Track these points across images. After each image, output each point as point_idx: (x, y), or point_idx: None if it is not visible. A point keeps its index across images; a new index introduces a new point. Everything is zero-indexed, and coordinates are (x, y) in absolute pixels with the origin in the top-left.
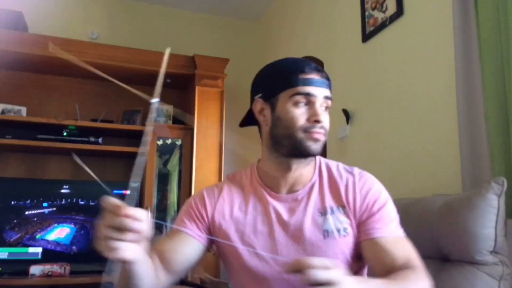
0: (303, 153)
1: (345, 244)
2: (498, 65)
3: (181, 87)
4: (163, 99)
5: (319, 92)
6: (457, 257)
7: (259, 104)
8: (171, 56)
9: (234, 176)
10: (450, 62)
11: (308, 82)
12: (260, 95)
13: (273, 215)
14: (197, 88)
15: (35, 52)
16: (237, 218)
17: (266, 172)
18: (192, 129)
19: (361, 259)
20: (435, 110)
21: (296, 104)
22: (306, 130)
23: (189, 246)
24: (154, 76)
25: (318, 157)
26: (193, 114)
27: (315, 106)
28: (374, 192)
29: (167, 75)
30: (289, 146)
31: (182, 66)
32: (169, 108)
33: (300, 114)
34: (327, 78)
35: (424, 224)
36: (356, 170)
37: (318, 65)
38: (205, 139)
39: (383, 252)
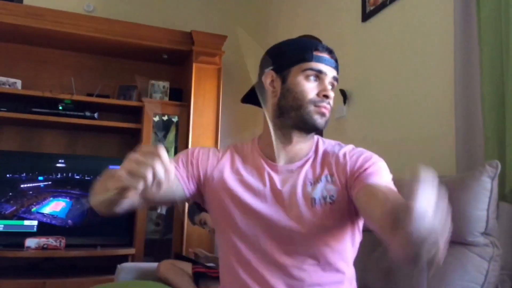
0: (308, 126)
1: (331, 211)
2: (497, 47)
3: (178, 63)
4: (159, 74)
5: (329, 71)
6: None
7: (269, 75)
8: (168, 31)
9: (237, 145)
10: (449, 43)
11: (321, 60)
12: (271, 67)
13: (267, 182)
14: (194, 65)
15: (30, 24)
16: (234, 178)
17: (267, 144)
18: (189, 106)
19: (347, 227)
20: (433, 91)
21: (307, 78)
22: (315, 104)
23: (172, 186)
24: (149, 51)
25: (316, 136)
26: (190, 91)
27: (324, 82)
28: (366, 155)
29: (163, 50)
30: (296, 118)
31: (179, 42)
32: (165, 85)
33: (310, 88)
34: (336, 60)
35: None
36: (350, 146)
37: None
38: (201, 116)
39: (382, 194)
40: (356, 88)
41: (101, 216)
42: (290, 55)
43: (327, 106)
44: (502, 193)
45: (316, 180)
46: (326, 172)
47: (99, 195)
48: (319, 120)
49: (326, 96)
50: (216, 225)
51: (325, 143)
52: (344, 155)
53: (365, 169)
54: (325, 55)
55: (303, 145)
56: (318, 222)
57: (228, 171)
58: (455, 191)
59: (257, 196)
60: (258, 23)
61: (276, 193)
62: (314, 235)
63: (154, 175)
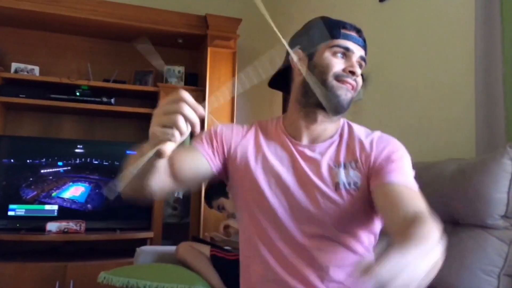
0: (331, 104)
1: (353, 198)
2: None
3: (193, 48)
4: (174, 59)
5: (357, 49)
6: (468, 221)
7: (297, 54)
8: (183, 15)
9: (261, 122)
10: (469, 24)
11: (348, 37)
12: (299, 46)
13: (291, 161)
14: (209, 49)
15: (47, 10)
16: (257, 155)
17: (291, 122)
18: (204, 91)
19: (368, 215)
20: (452, 73)
21: (334, 54)
22: (339, 78)
23: (197, 162)
24: (164, 35)
25: (342, 119)
26: (205, 75)
27: (352, 59)
28: (392, 146)
29: (178, 34)
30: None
31: (193, 26)
32: (180, 69)
33: (336, 62)
34: (364, 40)
35: (436, 187)
36: (378, 132)
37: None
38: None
39: (398, 197)
40: (373, 70)
41: (128, 200)
42: (318, 32)
43: (352, 82)
44: None
45: (340, 164)
46: (351, 157)
47: (131, 166)
48: (343, 96)
49: (353, 73)
50: (238, 201)
51: (352, 127)
52: (371, 142)
53: (388, 163)
54: (352, 33)
55: (328, 125)
56: (339, 207)
57: (252, 148)
58: (475, 173)
59: (279, 174)
60: (272, 5)
61: (298, 172)
62: (333, 219)
63: (186, 120)
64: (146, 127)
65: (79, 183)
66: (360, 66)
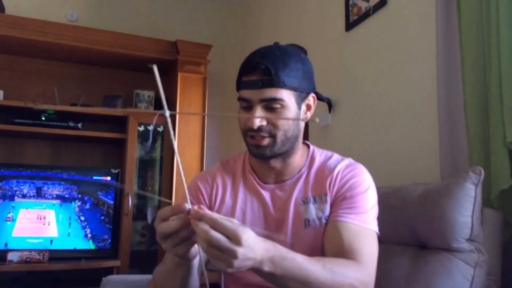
0: (253, 155)
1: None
2: (479, 55)
3: (163, 73)
4: (144, 84)
5: (255, 95)
6: (434, 245)
7: None
8: (153, 41)
9: (228, 163)
10: (431, 52)
11: (245, 86)
12: None
13: (260, 205)
14: (179, 74)
15: (12, 34)
16: (227, 204)
17: (255, 161)
18: (174, 115)
19: None
20: (416, 99)
21: (241, 108)
22: (246, 135)
23: None
24: (134, 60)
25: (312, 146)
26: (175, 100)
27: (253, 110)
28: (355, 181)
29: (148, 60)
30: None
31: (164, 52)
32: (150, 94)
33: (242, 118)
34: (269, 73)
35: (403, 212)
36: (347, 160)
37: (262, 60)
38: (187, 125)
39: (337, 235)
40: (341, 97)
41: None
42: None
43: (254, 136)
44: (487, 199)
45: (309, 200)
46: (320, 190)
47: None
48: (254, 151)
49: (250, 128)
50: None
51: (322, 156)
52: (338, 174)
53: (346, 199)
54: (250, 78)
55: (286, 162)
56: (310, 244)
57: (220, 198)
58: (440, 198)
59: (249, 220)
60: (242, 32)
61: (268, 216)
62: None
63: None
64: (114, 152)
65: None
66: (271, 108)
